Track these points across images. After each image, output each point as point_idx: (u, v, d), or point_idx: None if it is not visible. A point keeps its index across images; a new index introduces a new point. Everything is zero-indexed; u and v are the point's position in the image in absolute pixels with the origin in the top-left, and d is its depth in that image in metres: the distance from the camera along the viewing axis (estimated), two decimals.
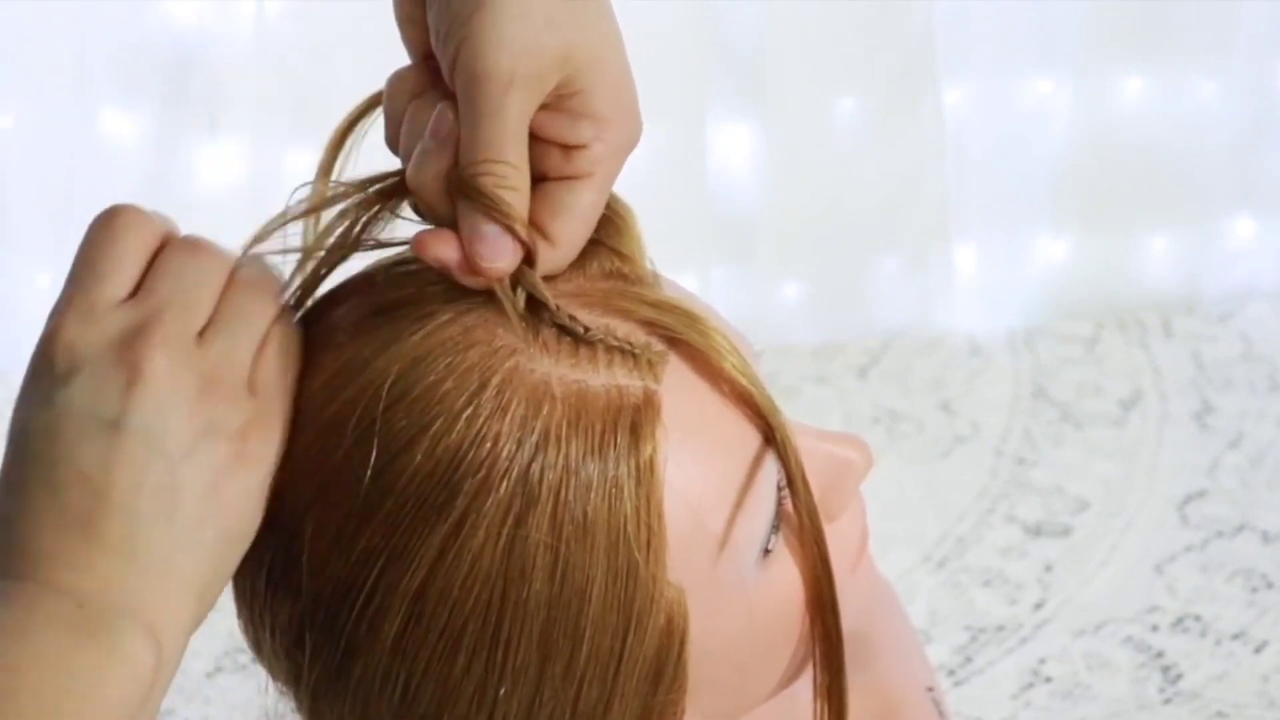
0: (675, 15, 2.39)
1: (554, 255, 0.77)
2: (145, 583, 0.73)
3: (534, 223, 0.77)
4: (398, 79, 0.81)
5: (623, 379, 0.75)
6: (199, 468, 0.74)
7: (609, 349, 0.76)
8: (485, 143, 0.76)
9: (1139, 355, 2.54)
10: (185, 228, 2.64)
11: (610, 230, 0.80)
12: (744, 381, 0.77)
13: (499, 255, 0.76)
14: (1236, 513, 2.24)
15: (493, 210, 0.75)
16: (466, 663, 0.75)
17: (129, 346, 0.74)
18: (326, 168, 0.84)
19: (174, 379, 0.74)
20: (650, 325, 0.78)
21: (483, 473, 0.74)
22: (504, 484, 0.74)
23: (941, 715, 1.06)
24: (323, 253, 0.81)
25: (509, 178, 0.76)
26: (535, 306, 0.77)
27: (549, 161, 0.78)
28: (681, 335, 0.77)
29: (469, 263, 0.76)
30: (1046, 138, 2.53)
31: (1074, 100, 2.52)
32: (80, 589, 0.72)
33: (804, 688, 0.84)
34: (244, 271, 0.79)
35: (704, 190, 2.46)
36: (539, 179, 0.77)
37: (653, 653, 0.77)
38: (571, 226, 0.77)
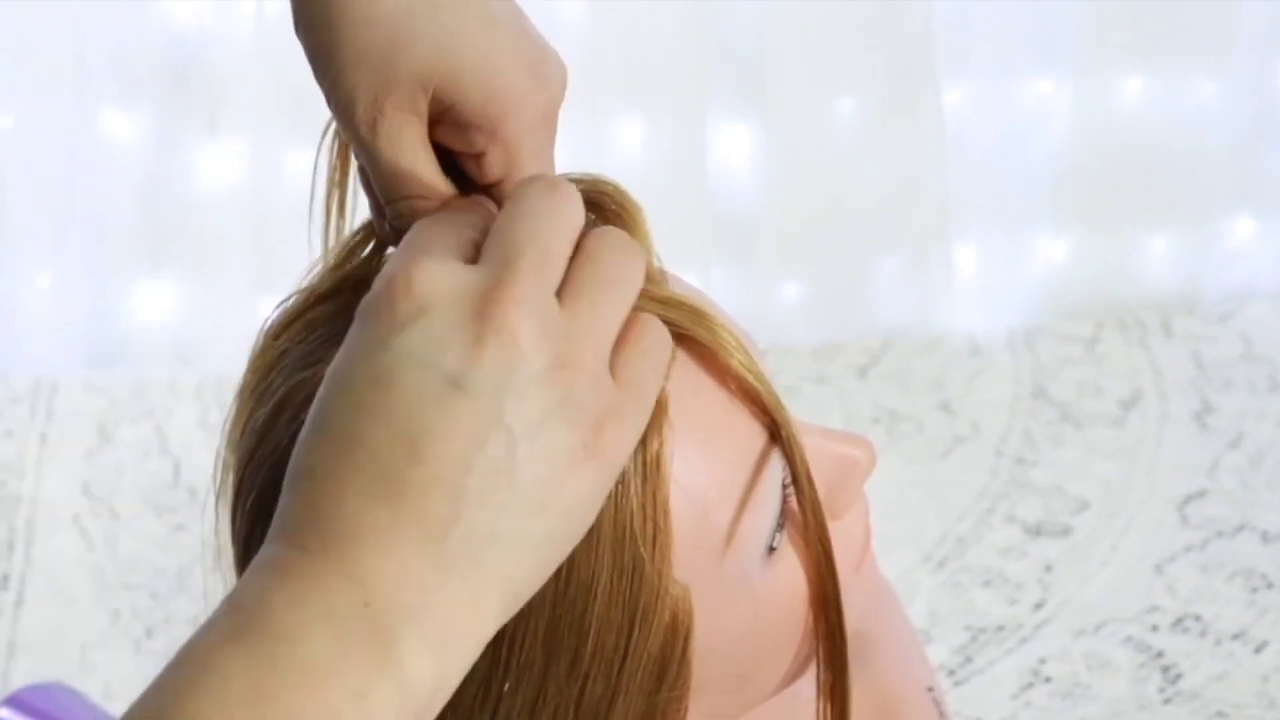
0: (675, 15, 2.39)
1: None
2: (448, 579, 0.63)
3: None
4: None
5: None
6: (542, 451, 0.64)
7: None
8: (381, 188, 0.75)
9: (1139, 355, 2.55)
10: (185, 228, 2.64)
11: (619, 225, 0.80)
12: (750, 379, 0.77)
13: None
14: (1236, 513, 2.24)
15: None
16: None
17: (486, 297, 0.64)
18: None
19: (533, 341, 0.64)
20: None
21: None
22: None
23: (942, 715, 1.06)
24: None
25: (417, 207, 0.75)
26: None
27: (475, 171, 0.77)
28: (689, 331, 0.77)
29: None
30: (1046, 138, 2.54)
31: (1074, 100, 2.53)
32: (372, 578, 0.62)
33: (807, 685, 0.84)
34: (608, 232, 0.70)
35: (704, 190, 2.47)
36: (489, 187, 0.77)
37: (657, 650, 0.77)
38: None
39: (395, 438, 0.63)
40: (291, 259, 0.79)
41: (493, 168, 0.76)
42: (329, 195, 0.83)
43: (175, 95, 2.37)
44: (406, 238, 0.69)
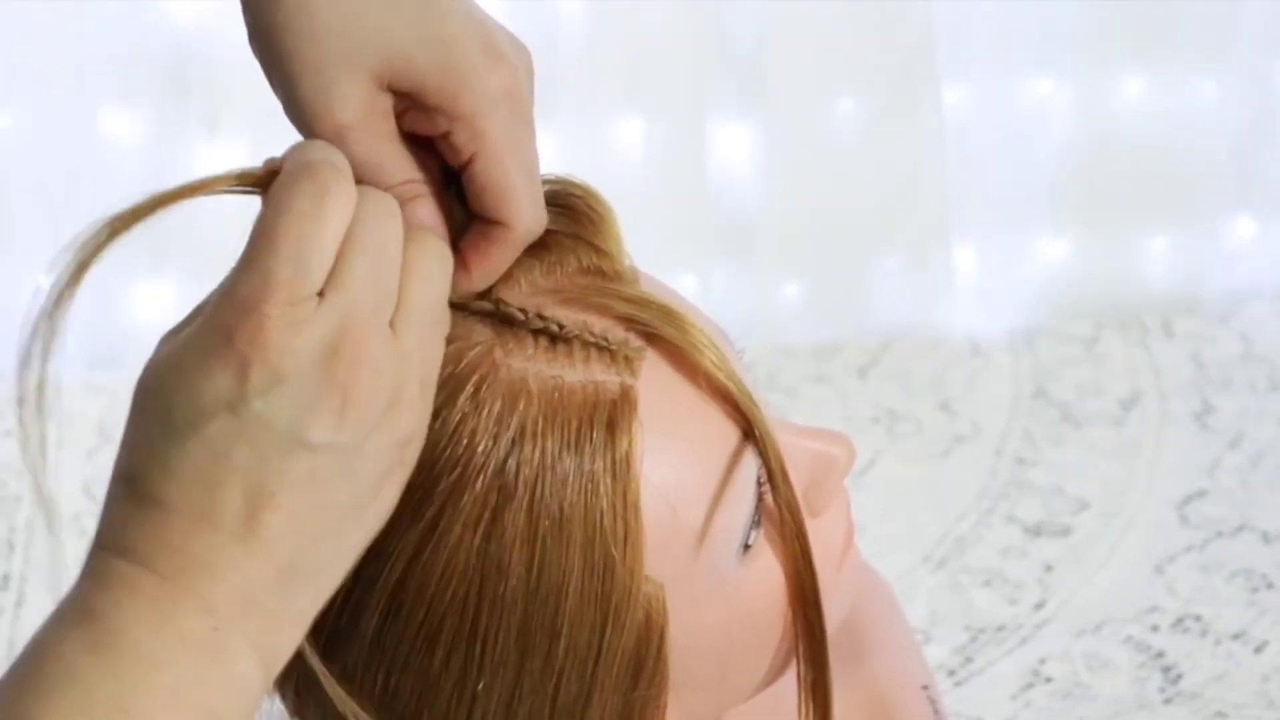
0: (675, 15, 2.39)
1: (514, 233, 0.77)
2: (288, 604, 0.69)
3: (481, 216, 0.76)
4: None
5: (599, 375, 0.76)
6: (373, 479, 0.70)
7: (585, 345, 0.76)
8: (372, 178, 0.75)
9: (1139, 355, 2.54)
10: (185, 228, 2.65)
11: (588, 226, 0.80)
12: (721, 377, 0.78)
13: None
14: (1236, 513, 2.24)
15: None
16: (445, 657, 0.76)
17: (333, 362, 0.68)
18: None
19: (372, 397, 0.69)
20: (628, 321, 0.78)
21: (459, 469, 0.74)
22: (480, 480, 0.74)
23: (937, 713, 1.06)
24: None
25: (410, 190, 0.76)
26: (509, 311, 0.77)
27: (446, 155, 0.77)
28: (659, 331, 0.77)
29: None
30: (1046, 138, 2.53)
31: (1074, 100, 2.53)
32: (219, 606, 0.67)
33: (790, 683, 0.84)
34: (421, 239, 0.73)
35: (704, 190, 2.47)
36: (465, 169, 0.77)
37: (631, 647, 0.77)
38: (503, 199, 0.76)
39: (251, 489, 0.68)
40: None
41: (460, 147, 0.76)
42: None
43: (175, 95, 2.37)
44: (262, 245, 0.70)
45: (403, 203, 0.75)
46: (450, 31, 0.75)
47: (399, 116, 0.76)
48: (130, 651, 0.66)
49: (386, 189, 0.75)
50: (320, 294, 0.69)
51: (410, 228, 0.73)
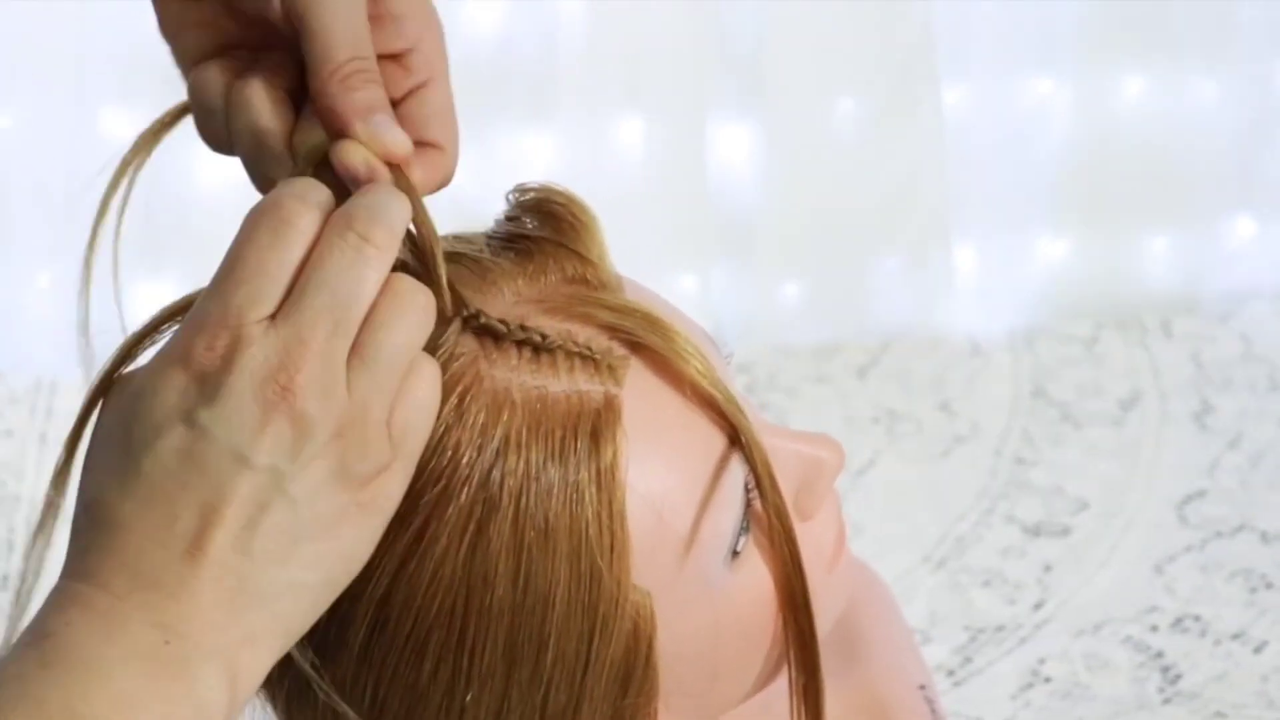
0: (675, 15, 2.39)
1: (447, 160, 0.78)
2: (240, 623, 0.70)
3: (419, 141, 0.77)
4: (204, 72, 0.82)
5: (584, 384, 0.76)
6: (321, 513, 0.71)
7: (569, 355, 0.76)
8: (337, 46, 0.76)
9: (1139, 355, 2.54)
10: (185, 228, 2.64)
11: (572, 234, 0.80)
12: (706, 384, 0.78)
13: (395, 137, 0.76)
14: (1236, 513, 2.23)
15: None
16: (433, 669, 0.76)
17: (272, 382, 0.70)
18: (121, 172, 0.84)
19: (316, 419, 0.70)
20: (612, 330, 0.78)
21: (443, 481, 0.74)
22: (465, 491, 0.74)
23: (934, 713, 1.06)
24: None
25: (369, 72, 0.76)
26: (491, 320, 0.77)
27: (394, 80, 0.78)
28: (643, 339, 0.77)
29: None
30: (1046, 138, 2.53)
31: (1074, 100, 2.52)
32: (171, 622, 0.69)
33: (782, 688, 0.85)
34: (399, 286, 0.73)
35: (704, 190, 2.46)
36: (396, 102, 0.77)
37: (620, 656, 0.77)
38: (451, 126, 0.78)
39: (195, 506, 0.69)
40: None
41: (415, 69, 0.78)
42: None
43: (175, 95, 2.36)
44: (223, 272, 0.72)
45: (349, 76, 0.75)
46: None
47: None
48: (81, 664, 0.68)
49: (339, 61, 0.75)
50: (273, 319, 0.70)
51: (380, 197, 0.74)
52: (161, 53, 2.46)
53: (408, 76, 0.78)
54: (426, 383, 0.73)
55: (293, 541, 0.70)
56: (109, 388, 0.75)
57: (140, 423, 0.71)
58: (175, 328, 0.79)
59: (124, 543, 0.69)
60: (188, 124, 2.60)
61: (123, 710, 0.67)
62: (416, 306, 0.73)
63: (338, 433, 0.70)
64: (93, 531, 0.71)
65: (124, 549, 0.69)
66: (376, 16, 0.77)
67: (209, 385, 0.70)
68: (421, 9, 0.77)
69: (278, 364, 0.70)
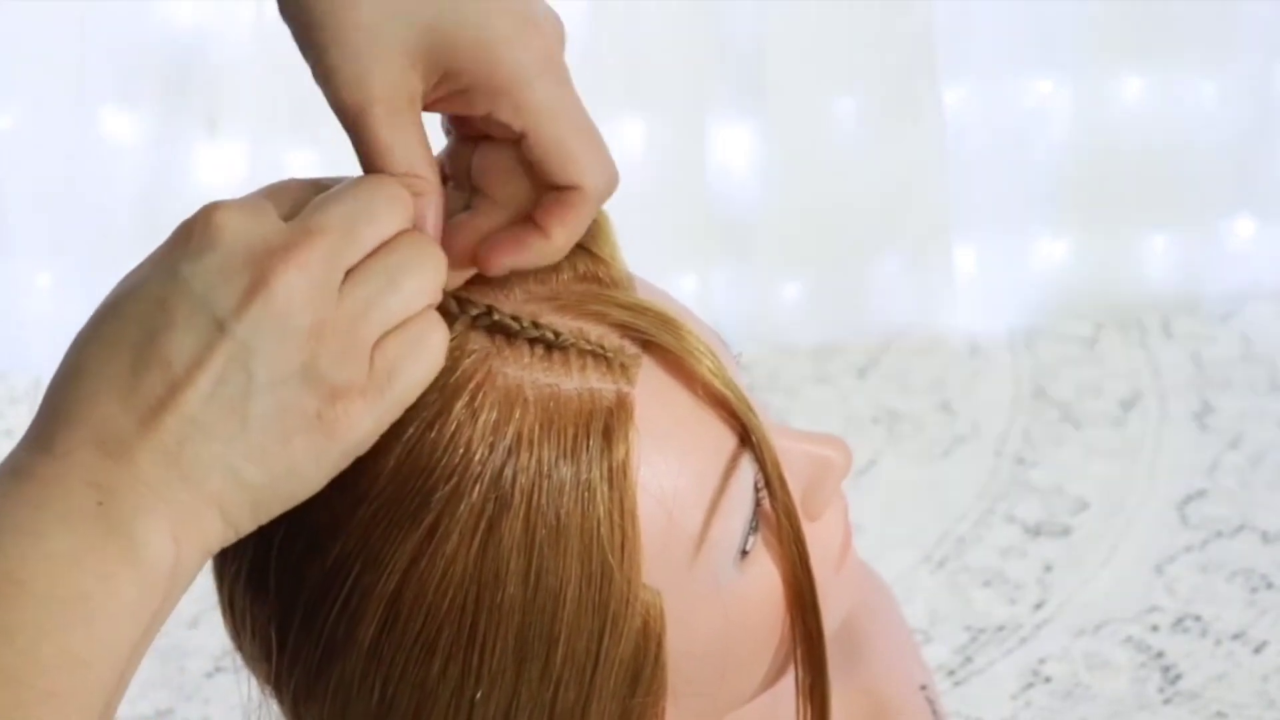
0: (675, 15, 2.39)
1: (586, 192, 0.76)
2: (176, 489, 0.69)
3: (551, 185, 0.76)
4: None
5: (595, 382, 0.75)
6: (275, 405, 0.69)
7: (581, 353, 0.76)
8: (382, 161, 0.75)
9: (1139, 355, 2.54)
10: None
11: (585, 233, 0.80)
12: (718, 384, 0.77)
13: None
14: (1236, 513, 2.24)
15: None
16: (442, 666, 0.76)
17: (269, 254, 0.69)
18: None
19: (295, 305, 0.69)
20: (624, 328, 0.77)
21: (455, 479, 0.74)
22: (476, 489, 0.74)
23: (935, 714, 1.06)
24: None
25: (414, 186, 0.75)
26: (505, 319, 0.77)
27: (494, 135, 0.77)
28: (655, 338, 0.77)
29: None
30: (1046, 138, 2.53)
31: (1074, 100, 2.52)
32: (107, 482, 0.68)
33: (787, 687, 0.85)
34: (417, 237, 0.74)
35: (704, 190, 2.47)
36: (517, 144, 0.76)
37: (629, 655, 0.77)
38: (570, 160, 0.76)
39: (157, 360, 0.69)
40: None
41: (507, 123, 0.75)
42: None
43: (175, 95, 2.37)
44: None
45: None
46: (483, 5, 0.75)
47: (436, 104, 0.76)
48: (13, 528, 0.67)
49: (394, 174, 0.75)
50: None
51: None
52: (161, 53, 2.46)
53: (504, 132, 0.76)
54: (428, 333, 0.73)
55: (241, 424, 0.69)
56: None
57: (128, 280, 0.71)
58: None
59: (77, 392, 0.69)
60: (185, 123, 2.58)
61: (59, 569, 0.67)
62: (430, 254, 0.73)
63: (316, 331, 0.70)
64: (53, 388, 0.71)
65: (74, 401, 0.69)
66: (441, 94, 0.76)
67: (202, 240, 0.70)
68: (489, 75, 0.75)
69: (279, 244, 0.70)
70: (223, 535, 0.71)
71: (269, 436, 0.70)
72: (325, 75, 0.75)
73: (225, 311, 0.69)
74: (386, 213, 0.72)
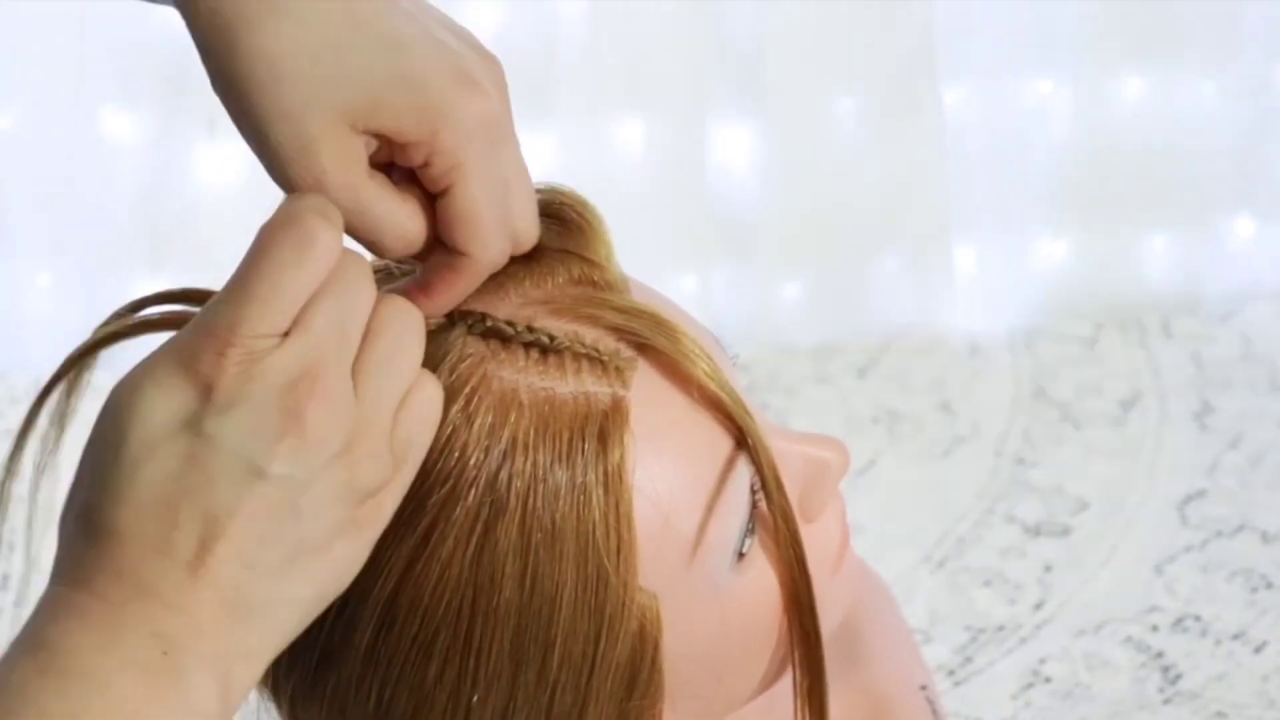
0: (675, 15, 2.39)
1: (478, 264, 0.77)
2: (235, 635, 0.69)
3: (448, 244, 0.76)
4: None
5: (591, 386, 0.76)
6: (322, 526, 0.70)
7: (576, 356, 0.76)
8: (352, 225, 0.76)
9: (1139, 355, 2.54)
10: (185, 228, 2.62)
11: (578, 237, 0.80)
12: (713, 386, 0.78)
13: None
14: (1236, 513, 2.24)
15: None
16: (439, 670, 0.76)
17: (292, 393, 0.69)
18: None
19: (327, 434, 0.69)
20: (619, 331, 0.78)
21: (450, 482, 0.74)
22: (472, 493, 0.74)
23: (935, 714, 1.06)
24: None
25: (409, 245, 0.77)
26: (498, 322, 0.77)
27: (424, 183, 0.77)
28: (650, 341, 0.77)
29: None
30: (1046, 138, 2.53)
31: (1074, 100, 2.52)
32: (169, 632, 0.68)
33: (785, 689, 0.85)
34: (393, 305, 0.74)
35: (704, 190, 2.47)
36: (443, 195, 0.77)
37: (626, 658, 0.77)
38: (476, 232, 0.76)
39: (199, 515, 0.68)
40: None
41: (438, 179, 0.76)
42: None
43: (175, 95, 2.37)
44: (239, 285, 0.71)
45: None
46: (419, 67, 0.75)
47: (375, 152, 0.76)
48: (80, 673, 0.67)
49: (378, 231, 0.75)
50: (286, 335, 0.70)
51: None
52: (161, 53, 2.46)
53: (432, 184, 0.76)
54: (428, 396, 0.73)
55: (292, 555, 0.70)
56: (75, 370, 0.75)
57: (141, 424, 0.69)
58: (149, 318, 0.82)
59: (120, 551, 0.69)
60: (185, 123, 2.57)
61: (120, 716, 0.67)
62: (412, 320, 0.73)
63: (347, 446, 0.70)
64: (86, 539, 0.69)
65: (121, 557, 0.68)
66: (381, 149, 0.76)
67: (220, 394, 0.69)
68: (430, 136, 0.75)
69: (298, 374, 0.69)
70: (272, 656, 0.72)
71: (315, 556, 0.70)
72: (270, 155, 0.74)
73: (264, 460, 0.68)
74: (366, 298, 0.72)
